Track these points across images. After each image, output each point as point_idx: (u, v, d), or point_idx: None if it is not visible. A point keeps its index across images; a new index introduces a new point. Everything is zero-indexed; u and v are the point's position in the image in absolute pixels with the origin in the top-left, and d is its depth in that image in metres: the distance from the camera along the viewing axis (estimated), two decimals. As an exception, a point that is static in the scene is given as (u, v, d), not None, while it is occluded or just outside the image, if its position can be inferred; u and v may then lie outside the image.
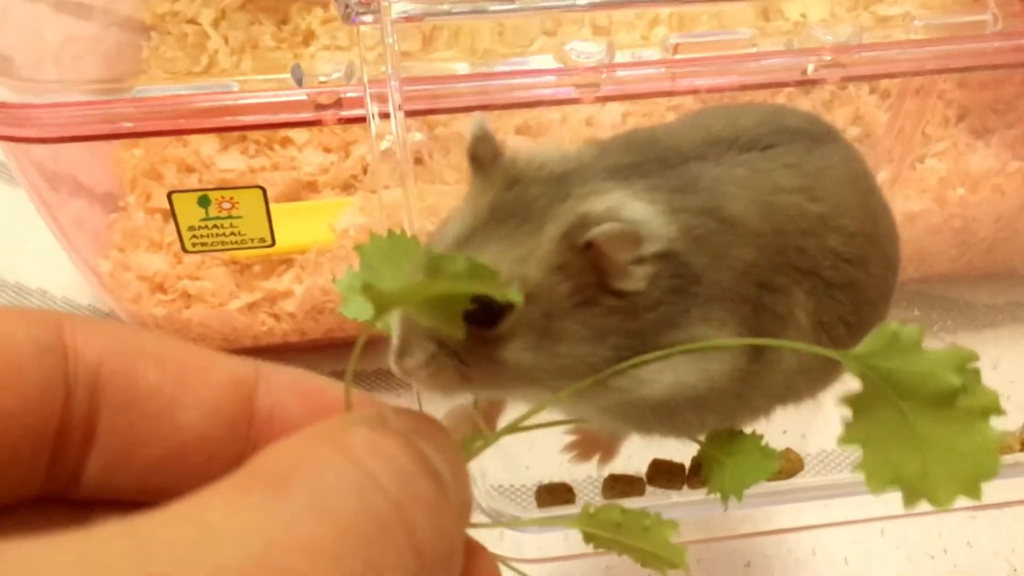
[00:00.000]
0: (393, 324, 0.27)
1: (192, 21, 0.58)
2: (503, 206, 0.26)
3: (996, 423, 0.22)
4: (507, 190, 0.27)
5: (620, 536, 0.24)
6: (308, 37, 0.56)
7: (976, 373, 0.21)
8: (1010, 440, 0.39)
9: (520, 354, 0.26)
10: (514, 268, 0.25)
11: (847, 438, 0.21)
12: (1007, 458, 0.36)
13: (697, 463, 0.42)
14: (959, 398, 0.21)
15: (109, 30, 0.58)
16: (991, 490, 0.30)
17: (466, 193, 0.28)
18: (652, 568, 0.24)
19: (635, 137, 0.31)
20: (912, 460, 0.21)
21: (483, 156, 0.28)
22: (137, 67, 0.56)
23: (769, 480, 0.38)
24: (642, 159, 0.28)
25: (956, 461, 0.21)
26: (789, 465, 0.39)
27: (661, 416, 0.29)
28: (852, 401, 0.21)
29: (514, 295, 0.21)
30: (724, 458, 0.28)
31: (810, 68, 0.41)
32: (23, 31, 0.47)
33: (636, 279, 0.26)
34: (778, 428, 0.49)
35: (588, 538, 0.24)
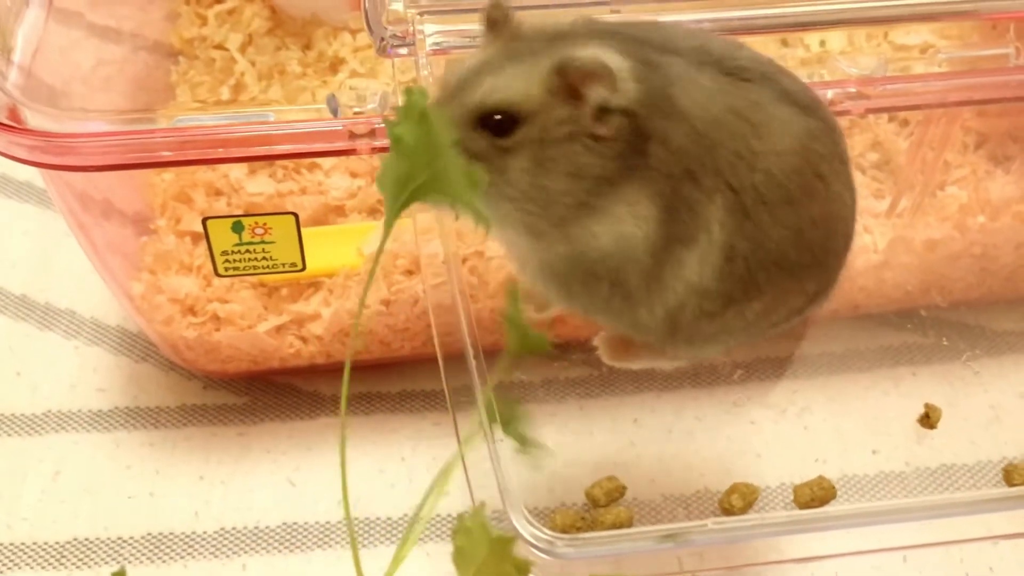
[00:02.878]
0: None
1: (219, 47, 0.59)
2: (511, 49, 0.33)
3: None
4: (514, 41, 0.33)
5: None
6: (336, 63, 0.57)
7: None
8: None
9: (519, 175, 0.32)
10: (520, 85, 0.32)
11: None
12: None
13: (732, 487, 0.43)
14: None
15: (138, 54, 0.59)
16: (1013, 519, 0.30)
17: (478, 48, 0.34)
18: None
19: (637, 21, 0.36)
20: None
21: (496, 17, 0.33)
22: (166, 91, 0.57)
23: (803, 507, 0.39)
24: (630, 34, 0.34)
25: None
26: (822, 492, 0.39)
27: (587, 278, 0.34)
28: None
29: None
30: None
31: (830, 93, 0.42)
32: (62, 58, 0.48)
33: (607, 125, 0.31)
34: (799, 454, 0.50)
35: None
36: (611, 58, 0.31)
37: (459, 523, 0.25)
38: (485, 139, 0.32)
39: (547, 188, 0.32)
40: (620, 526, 0.38)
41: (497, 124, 0.32)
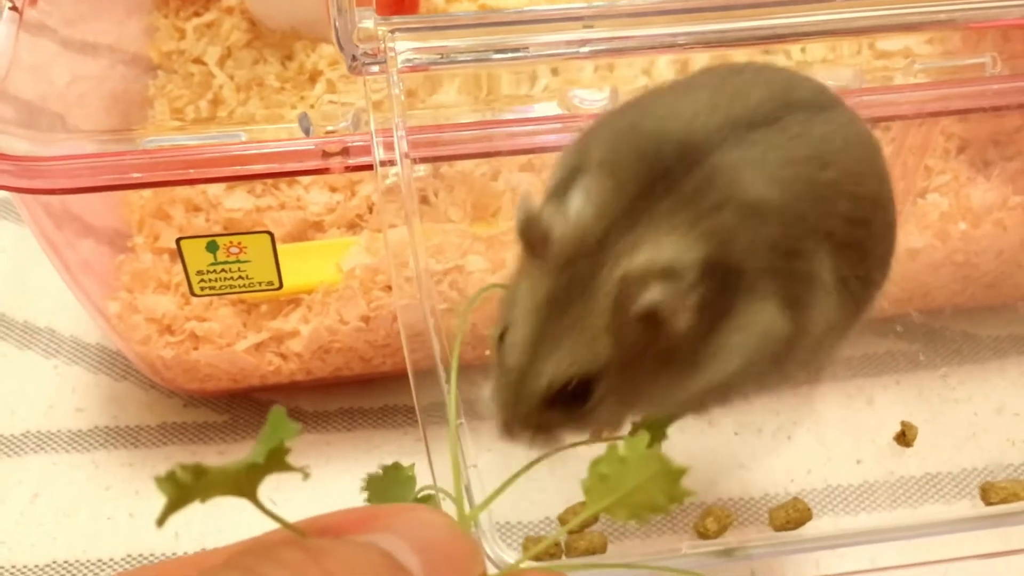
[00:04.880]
0: (495, 399, 0.31)
1: (198, 60, 0.58)
2: (560, 294, 0.29)
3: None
4: (560, 273, 0.29)
5: None
6: (314, 75, 0.57)
7: None
8: (1016, 487, 0.39)
9: (609, 414, 0.30)
10: (587, 354, 0.28)
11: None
12: (1015, 505, 0.36)
13: (707, 510, 0.43)
14: None
15: (116, 69, 0.59)
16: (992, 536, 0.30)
17: (521, 277, 0.30)
18: None
19: (644, 135, 0.31)
20: None
21: (534, 240, 0.29)
22: (144, 106, 0.57)
23: (778, 530, 0.39)
24: (657, 170, 0.30)
25: None
26: (797, 515, 0.39)
27: (726, 393, 0.32)
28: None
29: None
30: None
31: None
32: (35, 74, 0.48)
33: (686, 314, 0.28)
34: (783, 466, 0.49)
35: None
36: (663, 252, 0.28)
37: (609, 451, 0.24)
38: (560, 412, 0.29)
39: (646, 394, 0.30)
40: (594, 552, 0.38)
41: (572, 395, 0.29)
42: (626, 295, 0.28)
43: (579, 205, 0.29)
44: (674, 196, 0.29)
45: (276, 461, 0.21)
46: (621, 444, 0.24)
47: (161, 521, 0.19)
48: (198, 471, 0.20)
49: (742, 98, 0.32)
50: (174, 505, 0.20)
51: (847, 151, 0.32)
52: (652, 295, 0.27)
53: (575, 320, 0.28)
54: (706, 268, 0.28)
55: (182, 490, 0.20)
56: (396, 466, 0.31)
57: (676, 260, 0.28)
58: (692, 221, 0.29)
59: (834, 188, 0.31)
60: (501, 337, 0.31)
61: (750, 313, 0.30)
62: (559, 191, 0.31)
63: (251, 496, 0.21)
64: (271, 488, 0.54)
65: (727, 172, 0.29)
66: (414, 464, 0.30)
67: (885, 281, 0.35)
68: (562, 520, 0.44)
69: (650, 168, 0.30)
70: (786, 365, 0.33)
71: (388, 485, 0.30)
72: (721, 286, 0.29)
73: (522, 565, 0.26)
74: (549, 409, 0.29)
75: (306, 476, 0.21)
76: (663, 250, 0.28)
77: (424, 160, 0.41)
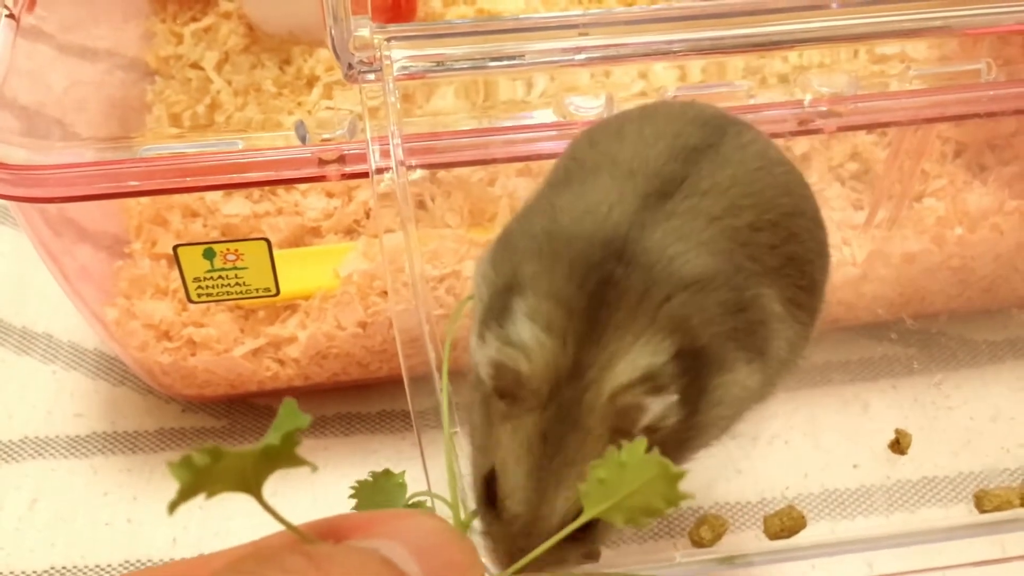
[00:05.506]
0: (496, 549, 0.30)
1: (195, 65, 0.59)
2: (550, 429, 0.28)
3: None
4: (544, 409, 0.29)
5: None
6: (312, 80, 0.57)
7: None
8: (1010, 495, 0.40)
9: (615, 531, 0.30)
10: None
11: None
12: (1009, 513, 0.36)
13: (701, 518, 0.43)
14: None
15: (114, 74, 0.59)
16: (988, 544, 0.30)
17: (496, 419, 0.30)
18: None
19: (566, 242, 0.31)
20: None
21: (507, 385, 0.29)
22: (142, 111, 0.57)
23: (772, 538, 0.39)
24: (597, 277, 0.29)
25: None
26: (791, 523, 0.39)
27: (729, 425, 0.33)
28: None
29: None
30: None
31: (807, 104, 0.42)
32: (33, 80, 0.48)
33: (673, 412, 0.29)
34: (780, 470, 0.49)
35: None
36: (638, 363, 0.29)
37: (608, 456, 0.24)
38: (568, 543, 0.28)
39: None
40: (588, 559, 0.37)
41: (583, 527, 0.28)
42: (624, 418, 0.28)
43: (534, 335, 0.29)
44: (624, 300, 0.29)
45: (287, 451, 0.21)
46: (623, 450, 0.24)
47: (173, 508, 0.19)
48: (215, 453, 0.19)
49: (643, 169, 0.32)
50: (187, 492, 0.20)
51: (753, 184, 0.33)
52: (652, 410, 0.28)
53: (574, 452, 0.28)
54: (678, 361, 0.29)
55: (197, 475, 0.19)
56: (387, 473, 0.31)
57: (652, 365, 0.29)
58: (650, 319, 0.29)
59: (755, 227, 0.32)
60: (486, 480, 0.30)
61: (724, 385, 0.31)
62: (494, 314, 0.30)
63: (256, 493, 0.21)
64: (268, 493, 0.54)
65: (661, 256, 0.30)
66: (404, 471, 0.30)
67: (827, 274, 0.36)
68: None
69: (586, 276, 0.30)
70: (765, 395, 0.34)
71: (377, 492, 0.31)
72: (693, 370, 0.29)
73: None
74: (560, 546, 0.28)
75: (314, 469, 0.21)
76: (639, 360, 0.28)
77: (420, 167, 0.41)
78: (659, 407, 0.28)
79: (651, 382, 0.28)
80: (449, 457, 0.31)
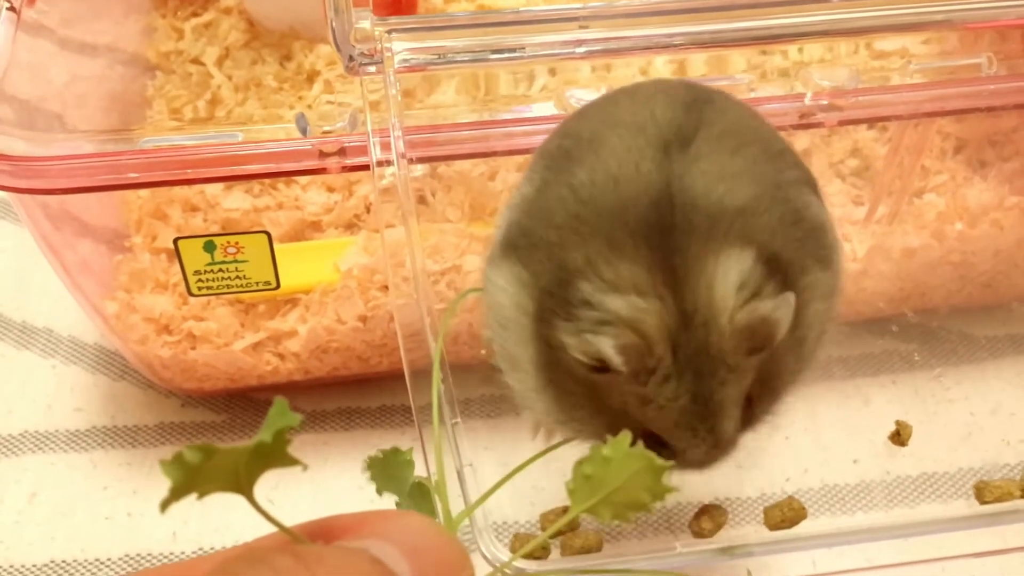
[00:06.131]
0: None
1: (196, 61, 0.59)
2: (697, 391, 0.29)
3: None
4: (680, 376, 0.29)
5: None
6: (312, 75, 0.57)
7: None
8: (1010, 487, 0.40)
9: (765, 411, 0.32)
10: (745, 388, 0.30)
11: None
12: (1009, 504, 0.36)
13: (702, 509, 0.43)
14: None
15: (114, 69, 0.59)
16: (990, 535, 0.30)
17: (641, 408, 0.29)
18: None
19: (609, 209, 0.30)
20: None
21: (643, 362, 0.28)
22: (142, 106, 0.57)
23: (773, 529, 0.39)
24: (659, 226, 0.29)
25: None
26: (792, 514, 0.39)
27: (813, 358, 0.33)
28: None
29: None
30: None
31: (808, 97, 0.42)
32: (34, 74, 0.48)
33: (790, 298, 0.29)
34: (780, 465, 0.49)
35: None
36: (736, 278, 0.29)
37: (593, 452, 0.24)
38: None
39: (788, 380, 0.32)
40: (589, 550, 0.38)
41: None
42: (758, 336, 0.28)
43: (630, 303, 0.28)
44: (693, 241, 0.29)
45: (278, 451, 0.21)
46: (608, 445, 0.24)
47: (165, 506, 0.19)
48: (207, 451, 0.20)
49: (651, 122, 0.32)
50: (179, 490, 0.20)
51: (752, 124, 0.34)
52: (779, 314, 0.28)
53: (726, 393, 0.28)
54: (762, 266, 0.29)
55: (188, 474, 0.20)
56: (395, 450, 0.31)
57: (743, 272, 0.29)
58: (721, 244, 0.29)
59: (771, 152, 0.33)
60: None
61: (810, 286, 0.31)
62: (559, 313, 0.30)
63: (248, 493, 0.21)
64: (269, 487, 0.54)
65: (708, 196, 0.30)
66: (412, 448, 0.31)
67: None
68: (544, 519, 0.44)
69: (647, 235, 0.29)
70: (837, 309, 0.34)
71: (387, 466, 0.31)
72: (778, 272, 0.30)
73: (514, 563, 0.26)
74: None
75: (305, 468, 0.21)
76: (729, 275, 0.28)
77: (421, 160, 0.41)
78: (784, 310, 0.28)
79: (748, 290, 0.28)
80: (439, 455, 0.31)
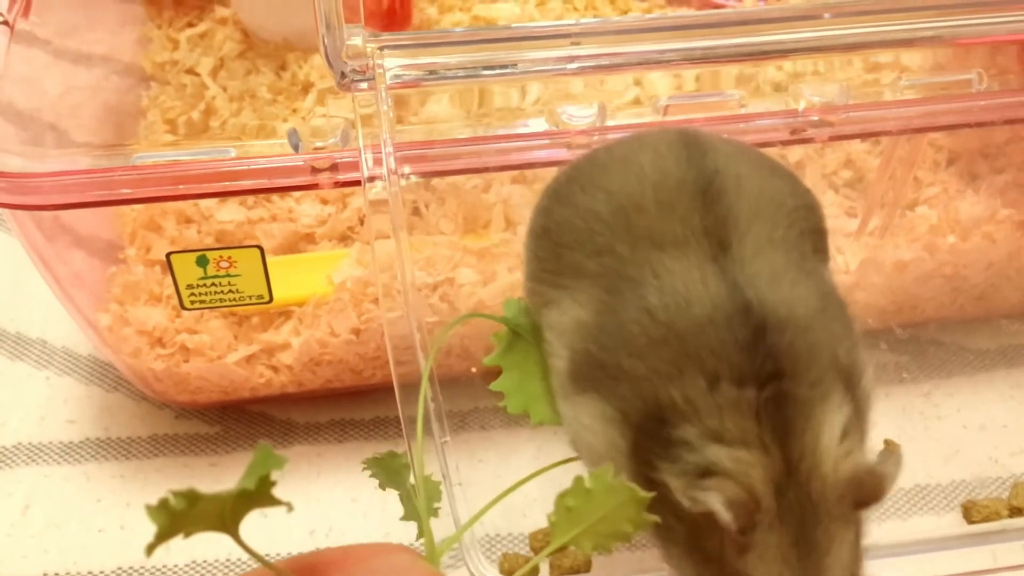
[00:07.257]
0: None
1: (191, 71, 0.59)
2: (799, 539, 0.28)
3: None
4: (782, 523, 0.28)
5: None
6: (307, 86, 0.57)
7: None
8: (997, 506, 0.40)
9: None
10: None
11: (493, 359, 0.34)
12: (998, 524, 0.36)
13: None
14: None
15: (109, 79, 0.59)
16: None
17: (738, 558, 0.28)
18: None
19: (694, 337, 0.29)
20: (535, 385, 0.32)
21: (749, 519, 0.27)
22: (137, 117, 0.57)
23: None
24: (746, 364, 0.28)
25: None
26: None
27: None
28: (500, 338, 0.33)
29: None
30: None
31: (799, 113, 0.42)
32: (28, 86, 0.48)
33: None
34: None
35: None
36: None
37: (575, 484, 0.24)
38: None
39: None
40: (578, 570, 0.37)
41: None
42: (866, 490, 0.28)
43: (734, 456, 0.27)
44: (794, 368, 0.28)
45: (263, 493, 0.21)
46: (589, 478, 0.24)
47: (151, 550, 0.20)
48: (191, 497, 0.20)
49: (687, 231, 0.31)
50: (165, 534, 0.20)
51: (760, 197, 0.33)
52: (888, 470, 0.28)
53: (827, 544, 0.28)
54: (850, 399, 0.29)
55: (173, 518, 0.20)
56: (392, 454, 0.32)
57: (846, 422, 0.28)
58: (820, 377, 0.29)
59: (790, 226, 0.33)
60: None
61: (865, 387, 0.31)
62: (656, 454, 0.28)
63: (233, 532, 0.22)
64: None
65: (777, 306, 0.29)
66: (407, 452, 0.31)
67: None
68: (533, 539, 0.44)
69: (734, 363, 0.28)
70: None
71: (387, 468, 0.31)
72: (854, 397, 0.30)
73: None
74: None
75: (290, 509, 0.22)
76: (834, 427, 0.28)
77: (413, 175, 0.41)
78: (894, 466, 0.28)
79: (850, 439, 0.28)
80: (420, 483, 0.31)
